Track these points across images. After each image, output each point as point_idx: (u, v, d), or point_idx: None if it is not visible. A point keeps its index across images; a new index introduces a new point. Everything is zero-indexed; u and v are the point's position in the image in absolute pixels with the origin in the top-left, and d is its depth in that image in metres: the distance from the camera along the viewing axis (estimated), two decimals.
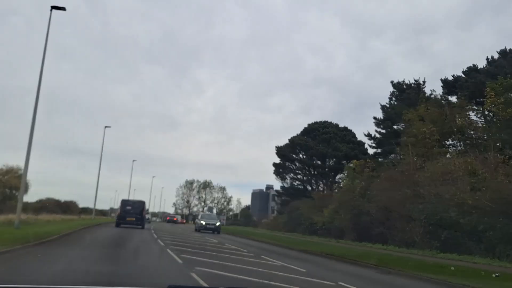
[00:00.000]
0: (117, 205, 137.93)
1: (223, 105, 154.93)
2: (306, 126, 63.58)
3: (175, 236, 24.57)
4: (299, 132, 62.91)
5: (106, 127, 40.78)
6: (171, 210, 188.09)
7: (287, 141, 62.37)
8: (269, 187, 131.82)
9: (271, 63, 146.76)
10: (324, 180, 58.23)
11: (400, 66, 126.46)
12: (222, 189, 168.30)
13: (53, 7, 20.05)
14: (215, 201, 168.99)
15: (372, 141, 40.21)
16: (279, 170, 61.17)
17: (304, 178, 59.84)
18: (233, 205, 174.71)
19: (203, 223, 35.59)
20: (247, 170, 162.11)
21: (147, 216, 47.27)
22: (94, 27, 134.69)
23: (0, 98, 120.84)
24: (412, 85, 38.42)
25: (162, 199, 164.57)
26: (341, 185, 41.66)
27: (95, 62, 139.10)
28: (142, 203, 33.57)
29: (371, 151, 46.49)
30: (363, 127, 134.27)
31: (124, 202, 32.89)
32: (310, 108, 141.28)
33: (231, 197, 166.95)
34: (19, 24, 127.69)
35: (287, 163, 60.43)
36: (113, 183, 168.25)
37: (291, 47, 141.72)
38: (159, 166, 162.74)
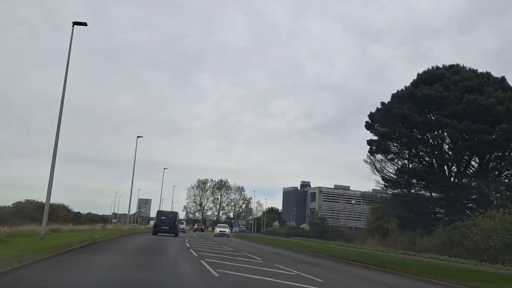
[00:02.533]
0: (119, 210, 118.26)
1: (226, 110, 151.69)
2: (416, 76, 38.46)
3: None
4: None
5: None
6: (181, 215, 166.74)
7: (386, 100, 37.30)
8: (305, 185, 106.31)
9: (273, 69, 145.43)
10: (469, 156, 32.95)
11: (400, 70, 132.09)
12: (240, 189, 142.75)
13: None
14: (232, 203, 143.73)
15: None
16: (383, 145, 35.97)
17: (433, 153, 34.33)
18: (253, 207, 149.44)
19: None
20: (250, 175, 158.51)
21: (182, 226, 47.18)
22: (97, 35, 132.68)
23: (4, 105, 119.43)
24: None
25: (171, 202, 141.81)
26: None
27: (99, 70, 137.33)
28: (175, 214, 35.89)
29: None
30: (365, 132, 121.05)
31: (160, 213, 35.36)
32: (313, 113, 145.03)
33: (250, 198, 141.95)
34: (24, 33, 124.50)
35: (396, 134, 35.10)
36: (115, 188, 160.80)
37: (292, 52, 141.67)
38: (161, 172, 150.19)
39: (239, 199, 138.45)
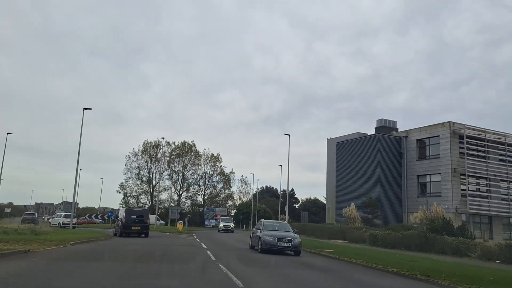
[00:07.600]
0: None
1: (172, 101, 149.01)
2: None
3: None
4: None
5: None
6: (117, 199, 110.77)
7: None
8: (388, 128, 51.78)
9: (220, 61, 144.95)
10: None
11: (342, 67, 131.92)
12: (215, 158, 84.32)
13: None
14: (202, 181, 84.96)
15: None
16: None
17: None
18: (235, 189, 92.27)
19: None
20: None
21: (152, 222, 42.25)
22: (34, 20, 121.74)
23: None
24: None
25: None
26: None
27: (35, 55, 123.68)
28: (147, 211, 32.90)
29: None
30: (308, 124, 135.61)
31: (129, 212, 31.08)
32: (259, 105, 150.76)
33: (231, 172, 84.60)
34: None
35: None
36: (55, 180, 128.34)
37: (240, 45, 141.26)
38: (104, 162, 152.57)
39: (214, 173, 79.44)
